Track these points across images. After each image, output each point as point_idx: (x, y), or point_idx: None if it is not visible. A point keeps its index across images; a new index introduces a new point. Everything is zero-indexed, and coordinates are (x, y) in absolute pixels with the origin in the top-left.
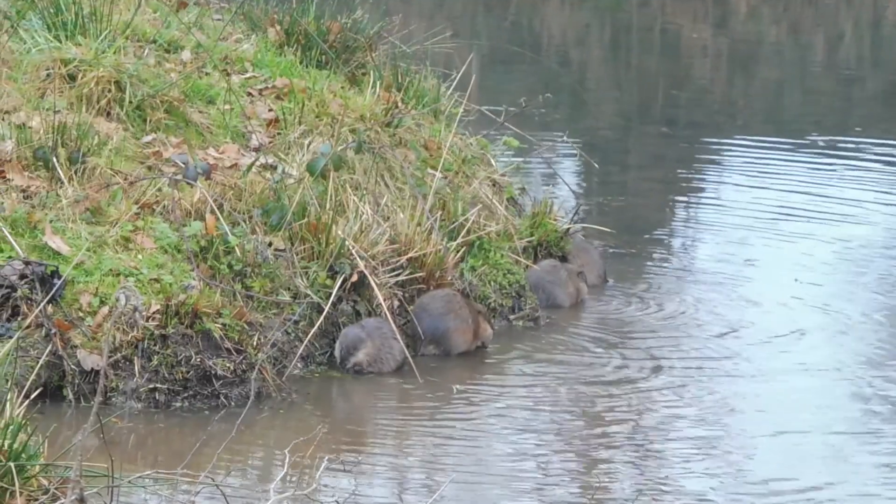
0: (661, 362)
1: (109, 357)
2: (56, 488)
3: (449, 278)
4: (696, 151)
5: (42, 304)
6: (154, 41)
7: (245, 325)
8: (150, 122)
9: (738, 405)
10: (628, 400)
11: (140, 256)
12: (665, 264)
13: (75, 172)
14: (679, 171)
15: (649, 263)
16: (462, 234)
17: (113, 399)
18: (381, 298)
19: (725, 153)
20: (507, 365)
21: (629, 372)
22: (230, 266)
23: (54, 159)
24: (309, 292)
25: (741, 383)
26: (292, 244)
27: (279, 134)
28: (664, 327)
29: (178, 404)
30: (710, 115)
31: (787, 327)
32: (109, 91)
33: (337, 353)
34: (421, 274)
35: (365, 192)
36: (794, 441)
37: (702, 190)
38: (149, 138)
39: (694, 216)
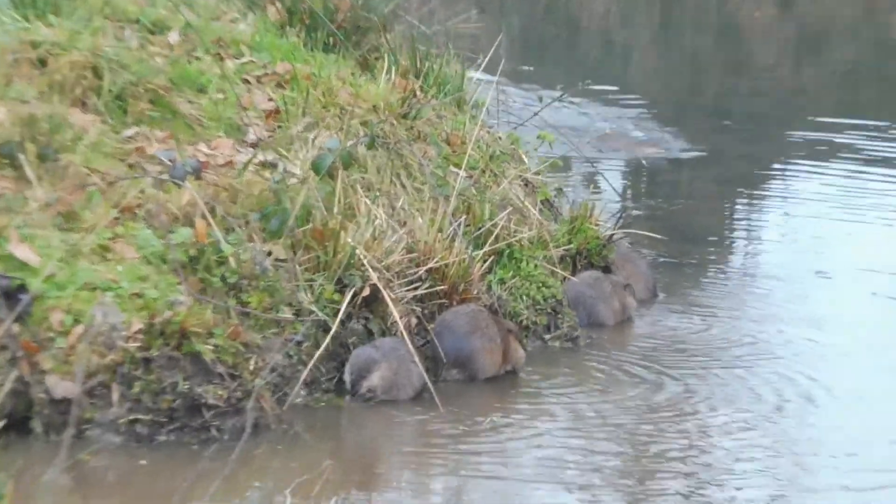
0: (720, 390)
1: (84, 383)
2: None
3: (475, 292)
4: (758, 146)
5: (7, 324)
6: (137, 21)
7: (240, 347)
8: (132, 113)
9: (808, 443)
10: (681, 434)
11: (120, 268)
12: (724, 276)
13: (46, 171)
14: (739, 168)
15: (706, 275)
16: (490, 241)
17: (88, 432)
18: (396, 315)
19: (792, 148)
20: (542, 392)
21: (682, 402)
22: (223, 279)
23: (22, 156)
24: (314, 308)
25: (814, 417)
26: (295, 253)
27: (280, 127)
28: (723, 349)
29: (163, 438)
30: (774, 106)
31: (866, 350)
32: (85, 78)
33: (347, 376)
34: (442, 287)
35: (378, 193)
36: (870, 483)
37: (766, 191)
38: (130, 132)
39: (757, 220)
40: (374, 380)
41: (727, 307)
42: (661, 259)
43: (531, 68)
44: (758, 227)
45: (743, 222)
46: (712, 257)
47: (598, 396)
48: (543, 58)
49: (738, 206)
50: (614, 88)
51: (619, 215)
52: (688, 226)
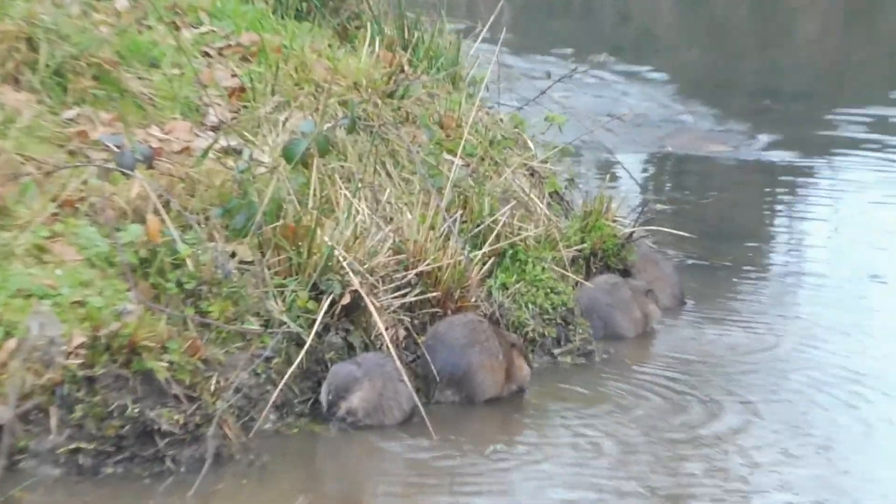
0: (761, 417)
1: (17, 407)
2: None
3: (472, 299)
4: (802, 130)
5: None
6: None
7: (199, 364)
8: (73, 92)
9: (855, 472)
10: (711, 463)
11: (59, 271)
12: (763, 281)
13: None
14: (781, 155)
15: (742, 279)
16: (490, 240)
17: (22, 463)
18: (381, 327)
19: (841, 130)
20: (551, 417)
21: (713, 426)
22: (180, 284)
23: None
24: (285, 319)
25: (862, 443)
26: (263, 255)
27: (245, 107)
28: (759, 366)
29: (110, 470)
30: (820, 82)
31: None
32: (18, 51)
33: (323, 397)
34: (435, 294)
35: (360, 184)
36: None
37: (811, 180)
38: (71, 113)
39: (801, 214)
40: (356, 401)
41: (767, 317)
42: (690, 261)
43: (538, 40)
44: (802, 223)
45: (785, 217)
46: (749, 258)
47: (617, 422)
48: (554, 28)
49: (779, 198)
50: (635, 63)
51: (640, 210)
52: (721, 222)
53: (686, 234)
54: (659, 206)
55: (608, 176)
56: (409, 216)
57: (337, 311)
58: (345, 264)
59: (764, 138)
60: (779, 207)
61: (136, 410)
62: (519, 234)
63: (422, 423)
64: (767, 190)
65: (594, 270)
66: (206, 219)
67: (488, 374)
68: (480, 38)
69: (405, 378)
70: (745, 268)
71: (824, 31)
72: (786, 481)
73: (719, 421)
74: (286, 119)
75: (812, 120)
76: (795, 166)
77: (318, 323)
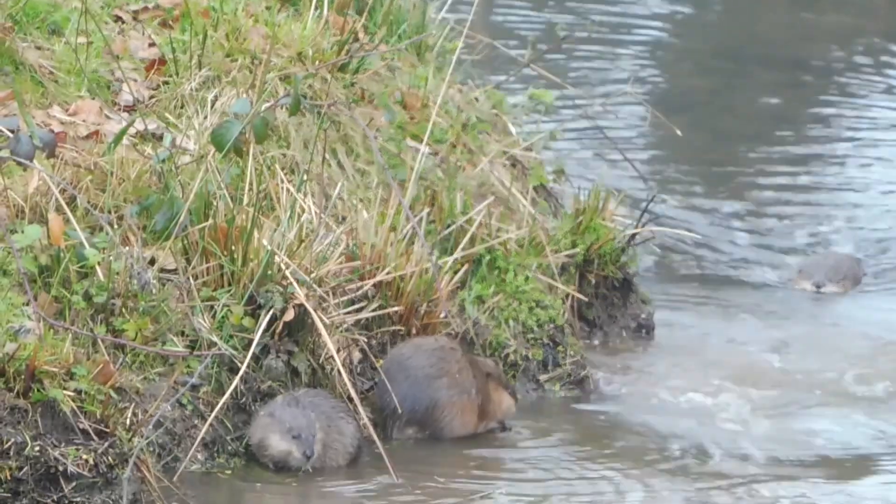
0: (793, 446)
1: None
2: None
3: (442, 315)
4: (848, 113)
5: None
6: None
7: (112, 393)
8: None
9: None
10: None
11: None
12: (789, 291)
13: None
14: (821, 142)
15: (766, 291)
16: (463, 244)
17: None
18: (332, 348)
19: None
20: (536, 458)
21: (727, 466)
22: (88, 297)
23: None
24: (216, 339)
25: None
26: (188, 262)
27: (166, 84)
28: (792, 383)
29: None
30: (872, 53)
31: None
32: None
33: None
34: (397, 308)
35: (306, 177)
36: None
37: (856, 178)
38: None
39: (846, 219)
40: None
41: (797, 337)
42: (701, 272)
43: (520, 5)
44: (847, 228)
45: (824, 220)
46: (777, 267)
47: (619, 466)
48: None
49: (815, 194)
50: (635, 29)
51: (644, 208)
52: (741, 221)
53: (698, 235)
54: (665, 202)
55: (605, 165)
56: (366, 215)
57: (278, 330)
58: (287, 273)
59: (792, 119)
60: (816, 203)
61: (37, 449)
62: (498, 237)
63: (373, 461)
64: (799, 182)
65: (589, 280)
66: (120, 218)
67: (457, 414)
68: (450, 1)
69: (351, 415)
70: (766, 279)
71: None
72: None
73: (744, 468)
74: (216, 98)
75: (857, 101)
76: (835, 157)
77: (255, 343)
